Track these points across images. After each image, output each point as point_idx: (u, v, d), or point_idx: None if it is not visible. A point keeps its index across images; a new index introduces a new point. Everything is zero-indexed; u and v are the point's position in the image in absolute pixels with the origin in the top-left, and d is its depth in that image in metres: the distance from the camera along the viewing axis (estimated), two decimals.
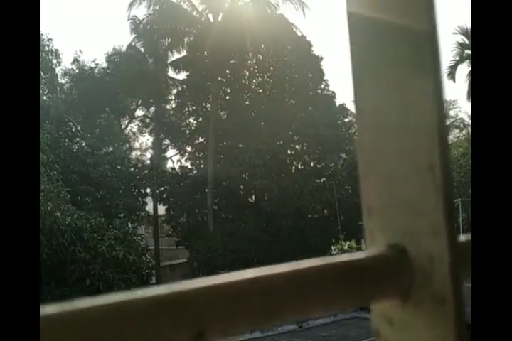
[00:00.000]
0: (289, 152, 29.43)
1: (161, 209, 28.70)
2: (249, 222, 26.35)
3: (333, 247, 30.59)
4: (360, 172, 0.88)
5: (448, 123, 37.71)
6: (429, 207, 0.80)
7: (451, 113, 39.06)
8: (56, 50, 27.61)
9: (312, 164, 29.55)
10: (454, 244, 0.81)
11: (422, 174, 0.81)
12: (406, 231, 0.84)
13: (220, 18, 27.75)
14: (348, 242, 31.61)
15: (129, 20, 27.40)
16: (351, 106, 33.79)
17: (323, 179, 28.20)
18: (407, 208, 0.83)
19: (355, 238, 31.10)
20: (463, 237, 0.91)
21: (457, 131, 37.12)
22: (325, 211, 28.51)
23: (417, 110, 0.80)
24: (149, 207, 28.58)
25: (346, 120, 32.87)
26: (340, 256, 0.83)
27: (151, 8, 27.07)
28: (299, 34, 29.50)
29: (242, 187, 28.05)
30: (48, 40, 27.12)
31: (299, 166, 29.55)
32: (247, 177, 27.60)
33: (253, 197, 28.58)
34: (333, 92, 30.68)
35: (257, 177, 26.68)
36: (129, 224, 22.49)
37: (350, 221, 28.18)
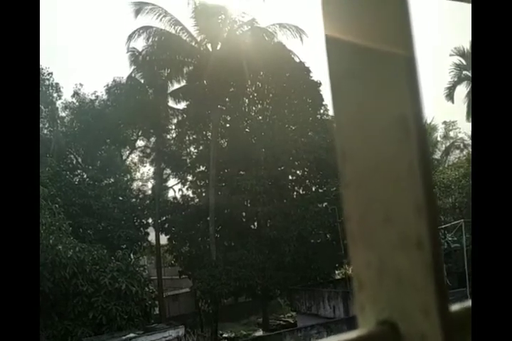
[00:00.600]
0: (290, 177, 29.42)
1: (163, 239, 28.60)
2: (252, 249, 26.20)
3: (337, 272, 30.37)
4: (349, 243, 0.88)
5: (448, 144, 37.84)
6: (419, 285, 0.79)
7: (451, 134, 39.19)
8: (56, 83, 27.93)
9: (314, 189, 29.49)
10: (446, 322, 0.79)
11: (410, 250, 0.80)
12: (397, 307, 0.82)
13: (218, 48, 28.03)
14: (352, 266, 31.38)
15: (128, 52, 27.67)
16: None
17: (325, 203, 28.08)
18: (398, 284, 0.82)
19: None
20: (456, 307, 0.90)
21: (458, 151, 37.16)
22: (328, 235, 28.31)
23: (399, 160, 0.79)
24: (151, 237, 28.50)
25: None
26: (329, 339, 0.82)
27: (150, 40, 27.31)
28: (297, 61, 29.74)
29: (244, 214, 27.99)
30: (48, 74, 27.39)
31: (301, 191, 29.52)
32: (248, 204, 27.54)
33: (255, 223, 28.48)
34: (332, 117, 30.75)
35: (258, 204, 26.64)
36: (132, 255, 22.40)
37: None
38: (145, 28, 27.26)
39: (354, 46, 0.82)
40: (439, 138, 38.13)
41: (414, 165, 0.78)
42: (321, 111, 30.45)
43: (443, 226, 22.92)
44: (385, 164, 0.81)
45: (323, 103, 30.30)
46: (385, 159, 0.80)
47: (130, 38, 27.28)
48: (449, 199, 28.56)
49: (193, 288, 26.48)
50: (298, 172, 29.60)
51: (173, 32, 27.85)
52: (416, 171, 0.78)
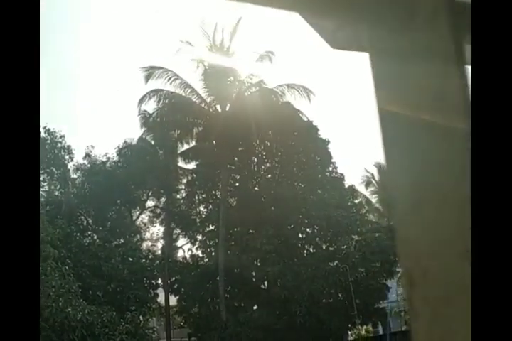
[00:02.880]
0: (300, 236, 29.31)
1: (173, 300, 28.37)
2: (262, 310, 25.87)
3: (349, 332, 29.79)
4: None
5: None
6: None
7: None
8: (68, 146, 28.41)
9: (324, 247, 29.31)
10: None
11: None
12: None
13: (227, 108, 28.66)
14: (365, 326, 30.80)
15: (139, 114, 28.37)
16: (360, 188, 34.00)
17: (336, 262, 27.91)
18: None
19: (371, 321, 30.34)
20: None
21: None
22: (339, 295, 27.93)
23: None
24: (161, 298, 28.27)
25: (356, 201, 33.03)
26: None
27: (160, 102, 28.03)
28: (305, 119, 30.21)
29: (253, 273, 27.72)
30: (61, 136, 27.97)
31: (311, 250, 29.32)
32: (258, 264, 27.37)
33: (265, 283, 28.16)
34: (341, 174, 31.00)
35: (268, 263, 26.48)
36: (141, 317, 22.21)
37: (365, 304, 27.62)
38: (156, 91, 28.05)
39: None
40: None
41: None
42: (330, 168, 30.70)
43: None
44: (457, 290, 0.78)
45: (332, 160, 30.61)
46: (457, 285, 0.77)
47: (141, 101, 28.08)
48: None
49: None
50: (308, 230, 29.51)
51: (183, 94, 28.60)
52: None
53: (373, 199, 34.83)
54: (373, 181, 34.62)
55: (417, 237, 0.81)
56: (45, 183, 28.03)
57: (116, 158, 29.63)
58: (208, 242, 28.71)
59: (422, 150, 0.83)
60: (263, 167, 30.45)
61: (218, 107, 29.05)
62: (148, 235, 32.29)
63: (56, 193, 27.69)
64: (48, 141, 27.13)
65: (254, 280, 27.99)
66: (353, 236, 29.40)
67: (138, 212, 31.63)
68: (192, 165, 30.15)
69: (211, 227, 28.99)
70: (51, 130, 27.74)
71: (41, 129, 27.04)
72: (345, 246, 28.48)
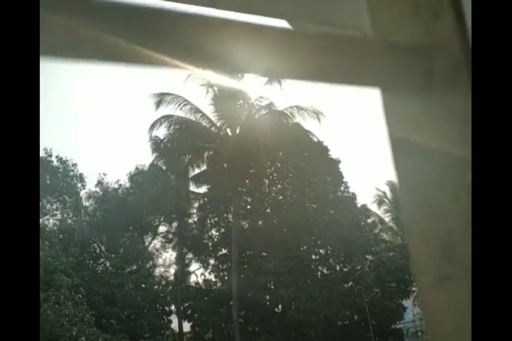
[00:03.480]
0: (313, 257, 29.17)
1: (186, 326, 28.28)
2: (277, 334, 25.67)
3: None
4: None
5: None
6: None
7: None
8: (81, 174, 28.69)
9: (338, 268, 29.16)
10: None
11: None
12: None
13: (237, 131, 28.81)
14: None
15: (150, 140, 28.64)
16: (373, 207, 33.90)
17: (351, 283, 27.75)
18: None
19: None
20: None
21: None
22: (355, 316, 27.72)
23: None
24: (174, 325, 28.23)
25: (369, 220, 32.92)
26: None
27: (171, 128, 28.26)
28: (316, 140, 30.29)
29: (267, 297, 27.54)
30: (73, 165, 28.30)
31: (325, 271, 29.15)
32: (272, 287, 27.23)
33: (280, 306, 27.98)
34: (353, 194, 30.91)
35: (282, 286, 26.36)
36: None
37: (382, 325, 27.38)
38: (166, 117, 28.31)
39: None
40: None
41: None
42: (342, 188, 30.65)
43: None
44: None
45: (344, 180, 30.58)
46: None
47: (152, 127, 28.37)
48: None
49: None
50: (321, 251, 29.38)
51: (194, 119, 28.81)
52: None
53: (386, 218, 34.73)
54: (386, 200, 34.53)
55: (446, 314, 0.76)
56: (58, 212, 28.33)
57: (128, 185, 29.83)
58: (220, 266, 28.67)
59: (443, 217, 0.80)
60: (274, 188, 30.47)
61: (228, 131, 29.22)
62: (160, 261, 32.30)
63: (69, 221, 27.94)
64: (61, 170, 27.47)
65: (268, 303, 27.82)
66: (367, 256, 29.25)
67: (150, 238, 31.68)
68: (203, 189, 30.24)
69: (223, 251, 28.97)
70: (63, 159, 28.13)
71: (53, 158, 27.53)
72: (359, 267, 28.33)
